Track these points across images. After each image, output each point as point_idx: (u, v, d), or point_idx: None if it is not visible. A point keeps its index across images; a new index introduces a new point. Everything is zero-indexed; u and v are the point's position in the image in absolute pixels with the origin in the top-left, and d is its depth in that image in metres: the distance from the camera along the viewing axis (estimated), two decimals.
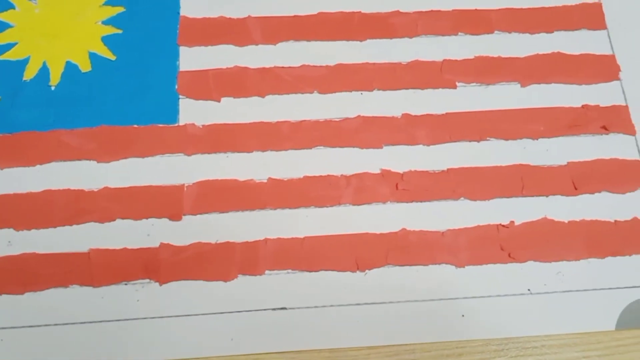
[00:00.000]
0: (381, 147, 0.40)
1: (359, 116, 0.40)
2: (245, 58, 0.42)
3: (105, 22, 0.42)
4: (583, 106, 0.41)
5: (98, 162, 0.39)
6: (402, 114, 0.40)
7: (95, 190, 0.38)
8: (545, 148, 0.40)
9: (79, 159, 0.39)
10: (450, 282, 0.37)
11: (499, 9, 0.43)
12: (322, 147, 0.40)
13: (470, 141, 0.40)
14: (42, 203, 0.38)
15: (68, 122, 0.40)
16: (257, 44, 0.42)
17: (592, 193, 0.39)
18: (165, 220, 0.38)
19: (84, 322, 0.36)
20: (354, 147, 0.40)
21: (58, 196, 0.38)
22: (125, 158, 0.39)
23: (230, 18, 0.43)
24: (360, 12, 0.43)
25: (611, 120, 0.41)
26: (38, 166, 0.39)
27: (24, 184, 0.38)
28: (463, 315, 0.36)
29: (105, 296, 0.36)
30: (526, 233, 0.38)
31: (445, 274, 0.37)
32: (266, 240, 0.37)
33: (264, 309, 0.36)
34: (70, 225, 0.38)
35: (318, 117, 0.40)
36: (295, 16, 0.43)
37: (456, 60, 0.42)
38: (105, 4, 0.43)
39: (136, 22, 0.42)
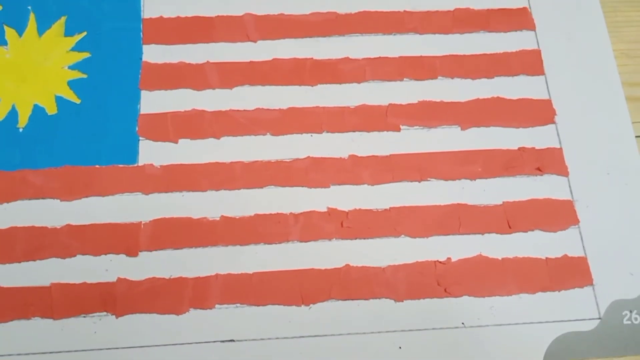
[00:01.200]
0: (328, 187, 0.42)
1: (308, 157, 0.43)
2: (203, 101, 0.44)
3: (71, 67, 0.45)
4: (519, 148, 0.44)
5: (61, 201, 0.41)
6: (349, 155, 0.43)
7: (58, 227, 0.41)
8: (482, 188, 0.42)
9: (43, 198, 0.41)
10: (389, 316, 0.39)
11: (443, 56, 0.46)
12: (272, 186, 0.42)
13: (411, 181, 0.43)
14: (7, 239, 0.40)
15: (34, 162, 0.42)
16: (214, 88, 0.45)
17: (525, 231, 0.42)
18: (122, 256, 0.40)
19: (44, 353, 0.38)
20: (302, 186, 0.42)
21: (22, 233, 0.40)
22: (87, 197, 0.42)
23: (189, 63, 0.45)
24: (312, 58, 0.46)
25: (546, 162, 0.43)
26: (5, 204, 0.41)
27: None
28: (400, 347, 0.38)
29: (64, 328, 0.38)
30: (462, 269, 0.40)
31: (385, 307, 0.39)
32: (217, 275, 0.40)
33: (213, 341, 0.38)
34: (34, 260, 0.40)
35: (270, 157, 0.43)
36: (250, 62, 0.46)
37: (401, 105, 0.45)
38: (72, 49, 0.45)
39: (101, 67, 0.45)
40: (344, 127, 0.44)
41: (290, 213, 0.41)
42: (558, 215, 0.42)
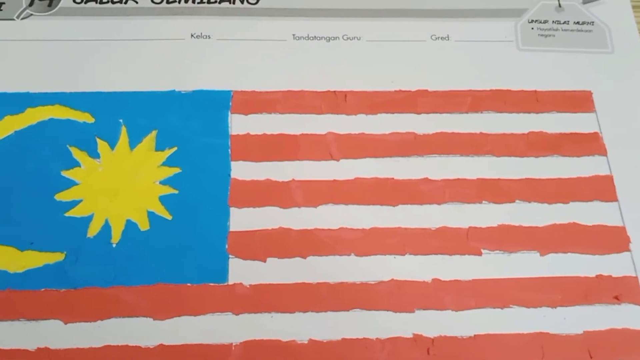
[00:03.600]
0: (413, 312, 0.43)
1: (392, 280, 0.44)
2: (289, 220, 0.46)
3: (162, 182, 0.46)
4: (597, 276, 0.45)
5: (154, 320, 0.42)
6: (432, 279, 0.44)
7: (151, 347, 0.41)
8: (562, 317, 0.43)
9: (137, 316, 0.42)
10: None
11: (520, 179, 0.48)
12: (358, 309, 0.43)
13: (494, 308, 0.44)
14: (102, 358, 0.41)
15: (127, 279, 0.43)
16: (299, 207, 0.46)
17: None
18: None
19: None
20: (387, 310, 0.43)
21: (116, 352, 0.41)
22: (179, 316, 0.43)
23: (275, 181, 0.47)
24: (393, 178, 0.47)
25: (622, 290, 0.44)
26: (99, 322, 0.42)
27: (86, 339, 0.42)
28: None
29: None
30: None
31: None
32: None
33: None
34: None
35: (354, 279, 0.44)
36: (334, 181, 0.47)
37: (481, 228, 0.46)
38: (163, 164, 0.47)
39: (191, 182, 0.46)
40: (426, 249, 0.45)
41: (377, 339, 0.42)
42: (637, 346, 0.43)
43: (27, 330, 0.42)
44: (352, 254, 0.45)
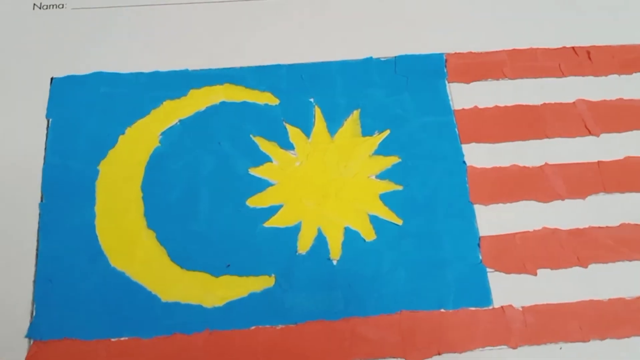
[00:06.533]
0: None
1: None
2: (553, 217, 0.35)
3: (380, 176, 0.35)
4: None
5: None
6: None
7: None
8: None
9: (385, 358, 0.31)
10: None
11: None
12: None
13: None
14: None
15: (360, 307, 0.32)
16: (563, 199, 0.35)
17: None
18: None
19: None
20: None
21: None
22: (438, 355, 0.32)
23: (524, 167, 0.36)
24: None
25: None
26: None
27: None
28: None
29: None
30: None
31: None
32: None
33: None
34: None
35: None
36: (599, 162, 0.36)
37: None
38: (376, 153, 0.36)
39: (416, 175, 0.35)
40: None
41: None
42: None
43: None
44: None
